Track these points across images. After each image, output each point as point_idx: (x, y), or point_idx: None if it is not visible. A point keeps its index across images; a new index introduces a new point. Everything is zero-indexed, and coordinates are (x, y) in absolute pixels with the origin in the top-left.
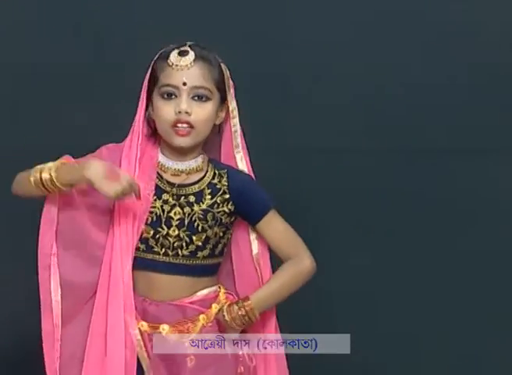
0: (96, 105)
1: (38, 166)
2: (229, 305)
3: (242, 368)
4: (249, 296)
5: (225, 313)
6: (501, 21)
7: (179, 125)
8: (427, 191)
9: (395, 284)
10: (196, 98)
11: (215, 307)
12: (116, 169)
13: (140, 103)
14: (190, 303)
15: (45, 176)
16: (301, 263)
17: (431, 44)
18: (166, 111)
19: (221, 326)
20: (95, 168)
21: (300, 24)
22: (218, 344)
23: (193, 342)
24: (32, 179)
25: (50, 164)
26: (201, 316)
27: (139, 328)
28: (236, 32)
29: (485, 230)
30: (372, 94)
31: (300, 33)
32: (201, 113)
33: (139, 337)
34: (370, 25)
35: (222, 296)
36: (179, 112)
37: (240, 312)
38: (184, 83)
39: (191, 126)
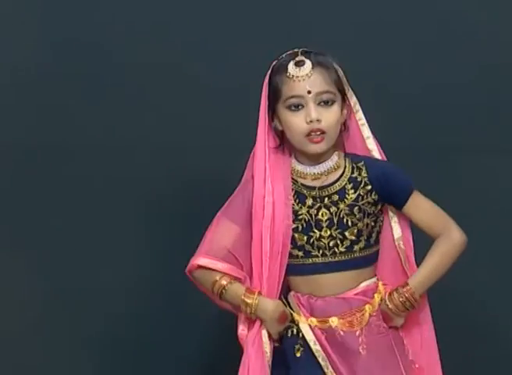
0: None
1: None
2: (390, 294)
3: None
4: (407, 281)
5: (387, 302)
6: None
7: (313, 134)
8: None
9: None
10: (322, 103)
11: (377, 296)
12: (286, 312)
13: (260, 120)
14: (355, 295)
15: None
16: (451, 237)
17: (439, 43)
18: (297, 122)
19: (385, 317)
20: (271, 312)
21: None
22: (385, 331)
23: (364, 330)
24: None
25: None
26: (367, 306)
27: (309, 324)
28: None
29: (490, 230)
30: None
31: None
32: (331, 117)
33: (310, 332)
34: (381, 24)
35: (381, 287)
36: (311, 122)
37: (401, 299)
38: (309, 92)
39: (323, 132)
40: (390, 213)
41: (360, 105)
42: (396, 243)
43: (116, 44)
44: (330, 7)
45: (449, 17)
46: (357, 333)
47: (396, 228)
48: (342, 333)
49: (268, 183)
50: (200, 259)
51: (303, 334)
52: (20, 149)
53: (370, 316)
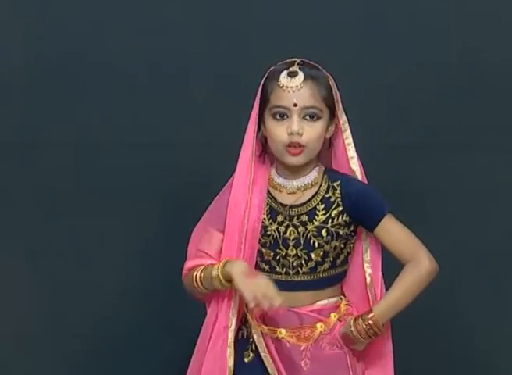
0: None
1: (194, 273)
2: (355, 320)
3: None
4: (372, 308)
5: (352, 328)
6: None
7: (292, 146)
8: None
9: None
10: (307, 117)
11: (333, 316)
12: (254, 272)
13: (250, 123)
14: (309, 311)
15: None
16: (420, 266)
17: (439, 42)
18: (279, 132)
19: (347, 340)
20: (237, 266)
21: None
22: (334, 348)
23: (309, 346)
24: (194, 285)
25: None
26: (319, 324)
27: (260, 331)
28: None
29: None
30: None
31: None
32: (312, 133)
33: (261, 339)
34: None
35: (342, 307)
36: (291, 134)
37: (364, 326)
38: (295, 105)
39: (303, 146)
40: (363, 235)
41: (350, 125)
42: (365, 265)
43: (107, 43)
44: (328, 4)
45: (449, 16)
46: (302, 347)
47: (366, 251)
48: (288, 345)
49: (249, 190)
50: (186, 264)
51: (253, 340)
52: (17, 147)
53: (321, 333)
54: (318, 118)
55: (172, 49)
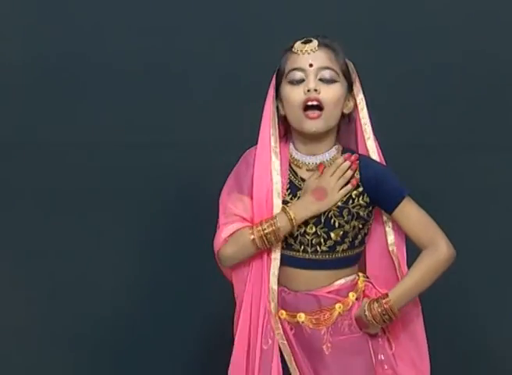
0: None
1: (248, 230)
2: (370, 303)
3: (382, 356)
4: (388, 293)
5: (366, 311)
6: None
7: (309, 103)
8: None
9: None
10: (323, 79)
11: (352, 295)
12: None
13: (267, 103)
14: (327, 293)
15: (269, 230)
16: (438, 251)
17: (439, 43)
18: (295, 94)
19: (361, 323)
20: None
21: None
22: (354, 331)
23: (329, 329)
24: (251, 239)
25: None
26: (337, 305)
27: (279, 316)
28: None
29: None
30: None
31: None
32: (330, 92)
33: (279, 325)
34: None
35: (360, 284)
36: (308, 91)
37: (379, 310)
38: (311, 65)
39: (320, 109)
40: (385, 218)
41: (367, 105)
42: (390, 248)
43: (107, 44)
44: (329, 4)
45: (448, 16)
46: (323, 331)
47: (390, 233)
48: (308, 330)
49: (272, 171)
50: (224, 232)
51: (271, 326)
52: (16, 147)
53: (339, 314)
54: (335, 81)
55: (172, 49)
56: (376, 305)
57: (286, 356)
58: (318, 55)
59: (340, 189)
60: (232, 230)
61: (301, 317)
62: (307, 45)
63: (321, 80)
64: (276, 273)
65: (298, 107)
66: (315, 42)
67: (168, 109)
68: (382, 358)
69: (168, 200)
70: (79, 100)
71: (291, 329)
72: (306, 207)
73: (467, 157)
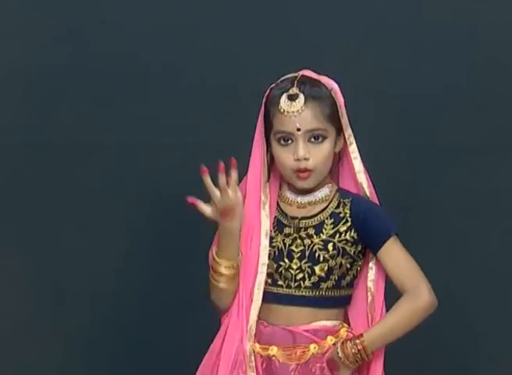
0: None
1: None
2: (343, 343)
3: None
4: (363, 333)
5: (339, 350)
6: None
7: (300, 173)
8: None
9: None
10: (312, 139)
11: (330, 339)
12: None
13: (255, 146)
14: (304, 331)
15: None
16: (419, 298)
17: (438, 44)
18: (285, 157)
19: (332, 365)
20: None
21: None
22: None
23: (299, 367)
24: (210, 278)
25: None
26: (312, 345)
27: (252, 349)
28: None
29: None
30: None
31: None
32: (319, 155)
33: (252, 358)
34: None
35: (342, 333)
36: (298, 160)
37: (353, 350)
38: (298, 129)
39: (311, 170)
40: (370, 255)
41: (355, 138)
42: (368, 284)
43: (107, 46)
44: (330, 8)
45: (448, 18)
46: (291, 367)
47: (371, 271)
48: (277, 364)
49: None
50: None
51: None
52: (20, 148)
53: (313, 355)
54: (324, 138)
55: (172, 51)
56: (350, 344)
57: None
58: (304, 115)
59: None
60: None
61: (273, 350)
62: (293, 104)
63: (310, 139)
64: (257, 309)
65: (289, 169)
66: (301, 99)
67: (172, 111)
68: None
69: (169, 201)
70: (79, 101)
71: (262, 363)
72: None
73: (467, 159)
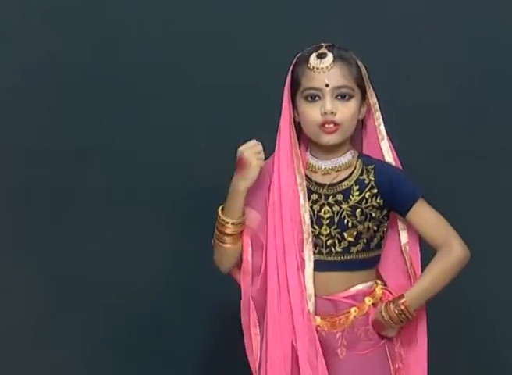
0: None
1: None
2: (386, 305)
3: (400, 364)
4: (403, 294)
5: (383, 313)
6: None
7: (326, 125)
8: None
9: None
10: (339, 97)
11: (368, 300)
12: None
13: (283, 110)
14: (344, 298)
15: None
16: (452, 253)
17: (441, 48)
18: (312, 113)
19: (378, 326)
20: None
21: None
22: (371, 337)
23: (345, 333)
24: (215, 239)
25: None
26: (353, 309)
27: None
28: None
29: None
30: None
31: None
32: (346, 112)
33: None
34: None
35: (378, 291)
36: (325, 113)
37: (396, 311)
38: (327, 85)
39: (337, 124)
40: (399, 220)
41: (380, 106)
42: (403, 248)
43: (110, 52)
44: (335, 9)
45: (449, 21)
46: (338, 335)
47: (403, 234)
48: (323, 333)
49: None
50: None
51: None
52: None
53: (355, 318)
54: (351, 97)
55: (177, 54)
56: (392, 306)
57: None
58: (333, 72)
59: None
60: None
61: (317, 321)
62: (323, 61)
63: (336, 97)
64: (311, 277)
65: (315, 125)
66: (330, 57)
67: (179, 114)
68: (400, 366)
69: (177, 202)
70: (82, 105)
71: None
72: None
73: (469, 163)
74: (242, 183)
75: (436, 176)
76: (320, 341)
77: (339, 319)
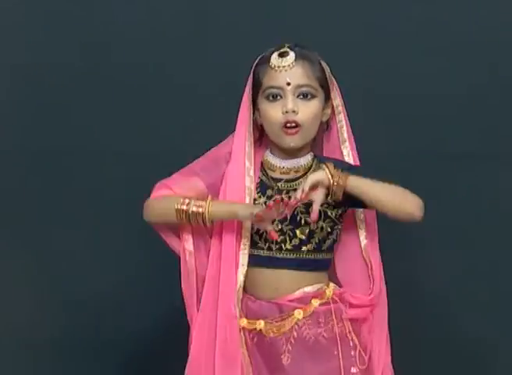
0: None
1: (181, 199)
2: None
3: (355, 369)
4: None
5: (329, 166)
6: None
7: (288, 125)
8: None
9: None
10: (301, 96)
11: (314, 302)
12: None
13: (242, 109)
14: (289, 301)
15: (195, 210)
16: (413, 194)
17: (439, 51)
18: (273, 112)
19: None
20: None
21: None
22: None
23: (290, 338)
24: (176, 208)
25: (199, 201)
26: (297, 311)
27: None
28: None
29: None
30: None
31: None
32: (308, 111)
33: (241, 334)
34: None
35: (328, 293)
36: (286, 112)
37: (337, 172)
38: (288, 83)
39: (299, 125)
40: (358, 222)
41: (346, 108)
42: (363, 253)
43: (107, 54)
44: (325, 9)
45: (449, 21)
46: (283, 340)
47: (362, 237)
48: (267, 338)
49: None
50: (158, 192)
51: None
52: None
53: (298, 320)
54: (313, 97)
55: (165, 55)
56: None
57: (245, 366)
58: (295, 71)
59: None
60: (165, 193)
61: (260, 324)
62: (284, 60)
63: (298, 96)
64: (243, 273)
65: (277, 125)
66: (292, 56)
67: (178, 118)
68: (355, 371)
69: None
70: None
71: (252, 338)
72: (245, 207)
73: (467, 165)
74: (247, 214)
75: (434, 178)
76: (264, 347)
77: (284, 324)
